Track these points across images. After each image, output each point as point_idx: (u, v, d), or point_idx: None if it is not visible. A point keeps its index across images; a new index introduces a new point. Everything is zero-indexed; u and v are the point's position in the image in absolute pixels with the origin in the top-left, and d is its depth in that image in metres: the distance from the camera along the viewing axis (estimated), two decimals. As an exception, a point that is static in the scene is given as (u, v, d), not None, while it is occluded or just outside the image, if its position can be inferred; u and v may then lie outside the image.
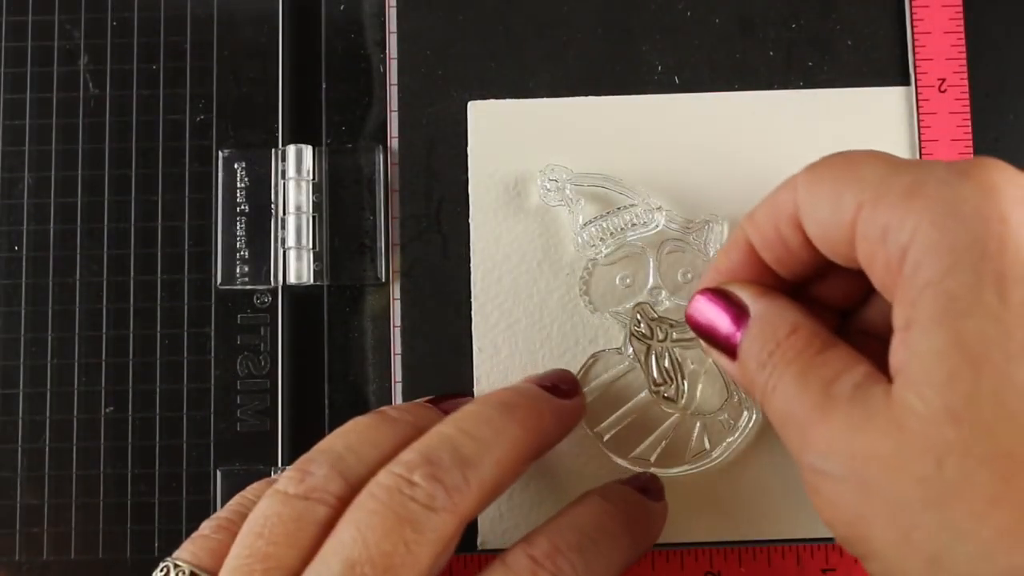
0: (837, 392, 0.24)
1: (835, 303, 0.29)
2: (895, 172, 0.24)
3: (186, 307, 0.36)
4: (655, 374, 0.33)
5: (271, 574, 0.26)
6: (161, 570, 0.28)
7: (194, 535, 0.29)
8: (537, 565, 0.27)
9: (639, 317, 0.34)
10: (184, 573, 0.27)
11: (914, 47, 0.36)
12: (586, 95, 0.36)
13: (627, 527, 0.29)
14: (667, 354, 0.34)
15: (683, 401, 0.34)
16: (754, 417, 0.33)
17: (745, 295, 0.28)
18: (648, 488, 0.31)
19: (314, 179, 0.36)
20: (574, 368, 0.34)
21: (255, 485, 0.31)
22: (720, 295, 0.29)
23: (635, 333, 0.34)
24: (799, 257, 0.27)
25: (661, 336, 0.34)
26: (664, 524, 0.31)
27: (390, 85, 0.37)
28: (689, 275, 0.34)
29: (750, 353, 0.27)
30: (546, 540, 0.27)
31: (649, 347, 0.34)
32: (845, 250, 0.25)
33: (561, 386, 0.32)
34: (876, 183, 0.24)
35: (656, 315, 0.34)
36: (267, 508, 0.27)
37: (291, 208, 0.36)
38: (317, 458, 0.28)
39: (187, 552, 0.28)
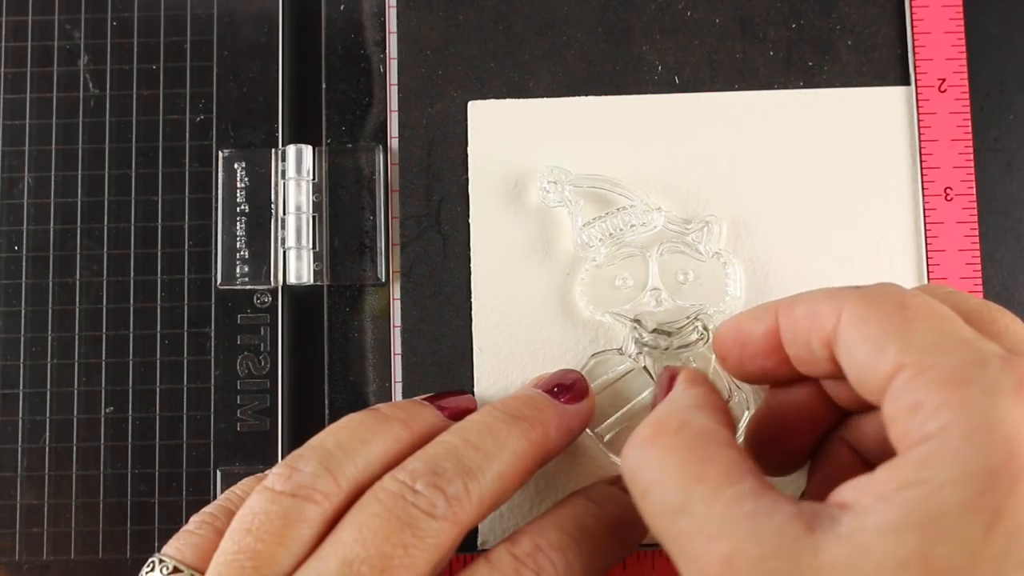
0: (729, 499, 0.23)
1: (842, 402, 0.28)
2: (945, 348, 0.23)
3: (186, 307, 0.36)
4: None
5: (261, 571, 0.26)
6: (148, 566, 0.28)
7: (181, 530, 0.29)
8: (519, 563, 0.27)
9: (640, 331, 0.33)
10: (168, 568, 0.28)
11: (914, 47, 0.36)
12: (586, 95, 0.36)
13: (611, 528, 0.29)
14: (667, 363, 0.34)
15: None
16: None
17: (681, 376, 0.29)
18: None
19: (314, 179, 0.36)
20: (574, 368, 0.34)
21: (245, 481, 0.31)
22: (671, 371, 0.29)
23: (637, 342, 0.33)
24: (821, 367, 0.26)
25: (664, 345, 0.33)
26: None
27: (390, 85, 0.37)
28: (690, 275, 0.34)
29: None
30: (528, 539, 0.28)
31: (654, 359, 0.34)
32: (874, 396, 0.24)
33: (570, 389, 0.32)
34: (922, 350, 0.23)
35: (654, 325, 0.34)
36: (256, 505, 0.27)
37: (291, 208, 0.36)
38: (306, 454, 0.28)
39: (172, 548, 0.28)
